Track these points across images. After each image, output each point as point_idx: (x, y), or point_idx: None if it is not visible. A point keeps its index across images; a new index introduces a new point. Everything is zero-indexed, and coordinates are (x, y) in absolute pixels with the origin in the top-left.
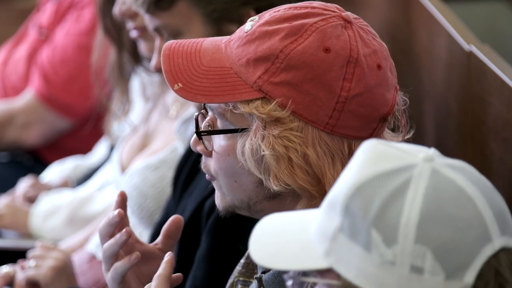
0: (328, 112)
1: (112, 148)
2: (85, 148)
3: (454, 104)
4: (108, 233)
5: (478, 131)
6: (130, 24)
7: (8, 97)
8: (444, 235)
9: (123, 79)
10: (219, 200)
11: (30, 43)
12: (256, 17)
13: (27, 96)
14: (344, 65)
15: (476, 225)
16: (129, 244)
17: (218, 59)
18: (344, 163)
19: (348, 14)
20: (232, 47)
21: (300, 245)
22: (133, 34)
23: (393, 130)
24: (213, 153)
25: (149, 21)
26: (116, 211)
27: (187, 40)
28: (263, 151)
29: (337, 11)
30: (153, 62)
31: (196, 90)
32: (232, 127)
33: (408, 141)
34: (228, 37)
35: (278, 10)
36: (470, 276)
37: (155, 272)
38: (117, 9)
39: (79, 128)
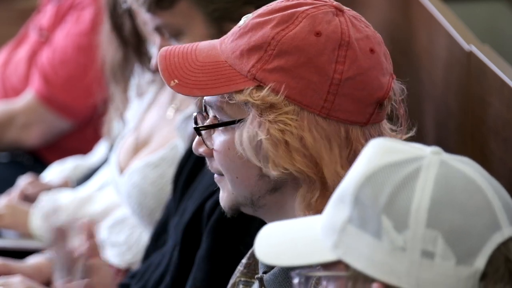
0: (323, 95)
1: (111, 148)
2: (85, 148)
3: (454, 104)
4: None
5: (478, 131)
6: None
7: (8, 98)
8: (455, 220)
9: (125, 77)
10: (224, 200)
11: (30, 45)
12: (250, 14)
13: (27, 97)
14: (336, 48)
15: (486, 213)
16: None
17: (213, 55)
18: (341, 147)
19: (340, 4)
20: (227, 43)
21: (306, 241)
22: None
23: (391, 118)
24: (214, 152)
25: (149, 20)
26: None
27: (185, 44)
28: (260, 136)
29: (329, 1)
30: (154, 61)
31: (192, 85)
32: (230, 120)
33: (408, 140)
34: (224, 36)
35: (271, 4)
36: (481, 261)
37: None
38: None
39: (79, 128)
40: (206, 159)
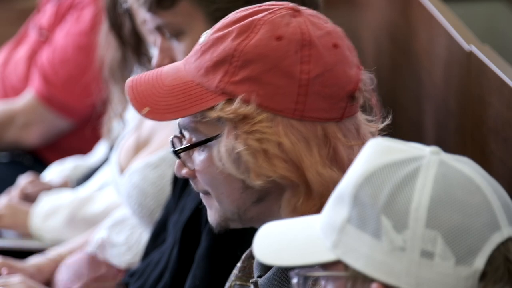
0: (293, 98)
1: (111, 148)
2: (85, 148)
3: (454, 104)
4: None
5: (478, 131)
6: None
7: (8, 97)
8: (454, 220)
9: (124, 77)
10: (212, 217)
11: (30, 44)
12: (209, 30)
13: (27, 96)
14: (299, 49)
15: (485, 213)
16: None
17: (179, 77)
18: (320, 146)
19: (296, 5)
20: (191, 62)
21: (305, 242)
22: (149, 25)
23: (364, 109)
24: (197, 172)
25: (150, 20)
26: None
27: (147, 72)
28: (238, 149)
29: (285, 4)
30: (154, 61)
31: (164, 110)
32: (206, 138)
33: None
34: (186, 56)
35: (228, 17)
36: (480, 261)
37: None
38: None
39: (79, 128)
40: (190, 180)
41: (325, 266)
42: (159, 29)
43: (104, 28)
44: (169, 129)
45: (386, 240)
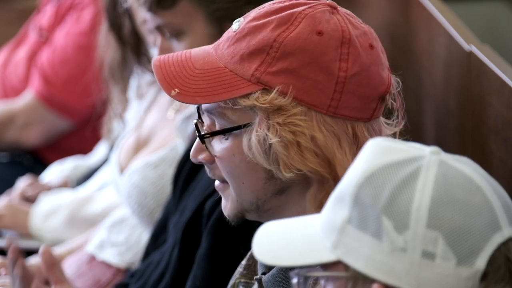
0: (329, 94)
1: (111, 148)
2: (85, 148)
3: (454, 104)
4: None
5: (478, 131)
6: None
7: (8, 98)
8: (455, 220)
9: (124, 77)
10: (228, 208)
11: (30, 45)
12: (241, 18)
13: (27, 97)
14: (339, 46)
15: (486, 213)
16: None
17: (210, 61)
18: (350, 144)
19: (333, 2)
20: (223, 48)
21: (305, 241)
22: (149, 25)
23: (389, 113)
24: (217, 159)
25: (150, 20)
26: None
27: (176, 53)
28: (271, 139)
29: (322, 0)
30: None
31: (194, 93)
32: (234, 126)
33: (407, 140)
34: (216, 42)
35: (263, 7)
36: (481, 262)
37: None
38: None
39: (79, 128)
40: (206, 166)
41: (325, 266)
42: (159, 29)
43: (103, 28)
44: (168, 129)
45: (387, 241)
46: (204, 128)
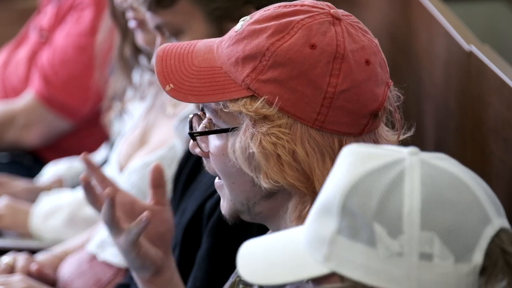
0: (316, 108)
1: (111, 148)
2: (85, 148)
3: (454, 104)
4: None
5: (478, 131)
6: (130, 14)
7: (8, 98)
8: (448, 219)
9: (127, 66)
10: (224, 208)
11: (30, 46)
12: (248, 17)
13: (27, 97)
14: (331, 61)
15: (475, 208)
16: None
17: (209, 59)
18: (333, 159)
19: (338, 11)
20: (223, 47)
21: (291, 258)
22: (132, 24)
23: (391, 126)
24: (210, 155)
25: (150, 19)
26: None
27: (182, 43)
28: (252, 149)
29: (327, 8)
30: (153, 61)
31: (187, 90)
32: (224, 127)
33: (407, 141)
34: (221, 38)
35: (268, 9)
36: (478, 256)
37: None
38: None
39: (79, 128)
40: (203, 159)
41: (317, 280)
42: (158, 28)
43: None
44: (167, 128)
45: (381, 247)
46: (203, 122)
